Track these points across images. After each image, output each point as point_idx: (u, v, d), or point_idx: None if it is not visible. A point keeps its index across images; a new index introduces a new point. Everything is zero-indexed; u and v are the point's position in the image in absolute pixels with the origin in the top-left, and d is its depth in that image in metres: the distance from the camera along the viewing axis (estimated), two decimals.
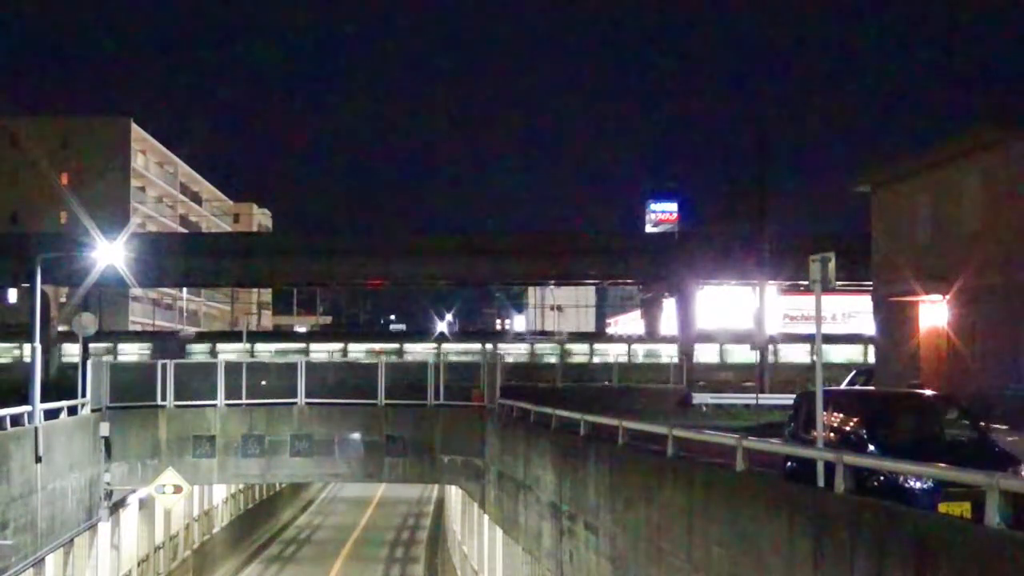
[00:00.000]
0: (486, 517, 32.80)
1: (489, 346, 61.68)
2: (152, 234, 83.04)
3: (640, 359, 61.98)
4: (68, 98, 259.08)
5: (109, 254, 35.56)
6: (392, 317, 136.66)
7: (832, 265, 14.74)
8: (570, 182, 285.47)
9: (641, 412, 31.12)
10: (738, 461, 14.39)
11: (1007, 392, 24.68)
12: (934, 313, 29.03)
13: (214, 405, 33.93)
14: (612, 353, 62.27)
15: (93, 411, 31.32)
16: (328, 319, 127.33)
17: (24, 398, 27.04)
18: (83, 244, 42.09)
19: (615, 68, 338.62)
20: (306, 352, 59.57)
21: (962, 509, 12.31)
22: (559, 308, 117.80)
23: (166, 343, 61.74)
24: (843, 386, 30.60)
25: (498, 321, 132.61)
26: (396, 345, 64.23)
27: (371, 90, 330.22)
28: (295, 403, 34.48)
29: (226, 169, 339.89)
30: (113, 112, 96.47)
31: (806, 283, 16.42)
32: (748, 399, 43.97)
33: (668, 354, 60.33)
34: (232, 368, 35.16)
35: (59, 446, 27.59)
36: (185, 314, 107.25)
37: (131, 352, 61.19)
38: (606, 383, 54.72)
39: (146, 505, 34.83)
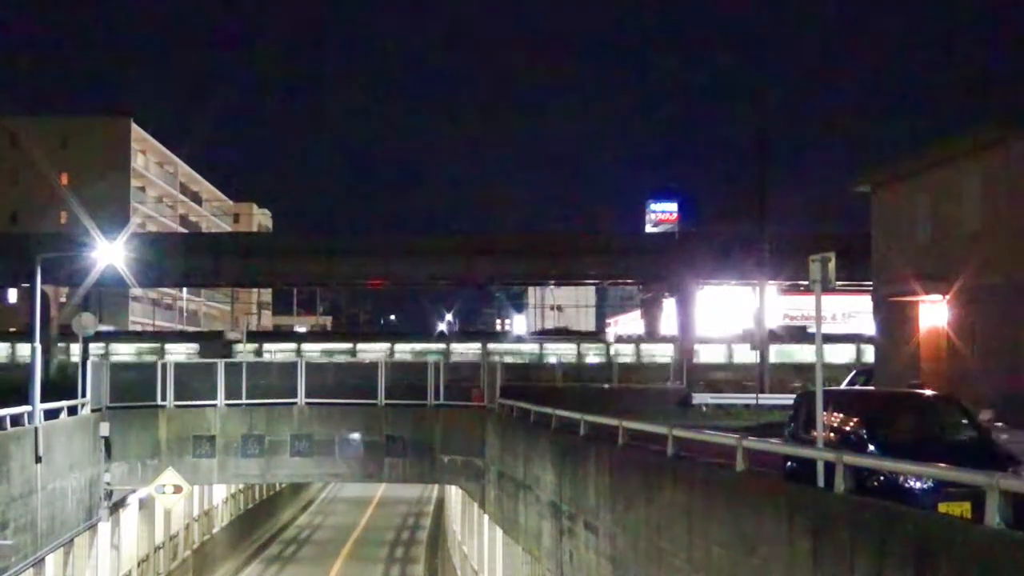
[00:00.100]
0: (486, 517, 32.81)
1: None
2: (152, 234, 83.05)
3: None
4: (68, 98, 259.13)
5: (109, 254, 35.57)
6: (392, 318, 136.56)
7: (832, 265, 14.73)
8: (570, 182, 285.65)
9: (641, 412, 31.07)
10: (738, 461, 14.39)
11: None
12: (934, 313, 29.02)
13: (214, 405, 33.94)
14: (659, 353, 62.30)
15: (93, 411, 31.31)
16: (328, 319, 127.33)
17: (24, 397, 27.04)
18: (83, 244, 42.07)
19: (615, 68, 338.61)
20: (353, 353, 59.28)
21: (962, 509, 12.30)
22: (559, 308, 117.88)
23: (212, 344, 61.63)
24: (843, 386, 30.60)
25: (498, 321, 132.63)
26: (443, 346, 64.23)
27: (371, 90, 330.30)
28: (295, 403, 34.48)
29: (226, 169, 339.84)
30: (113, 112, 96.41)
31: (806, 283, 16.41)
32: (748, 399, 43.95)
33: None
34: (232, 368, 35.17)
35: (59, 446, 27.59)
36: (185, 314, 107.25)
37: (179, 352, 60.78)
38: (605, 385, 54.77)
39: (146, 505, 34.83)
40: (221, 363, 35.58)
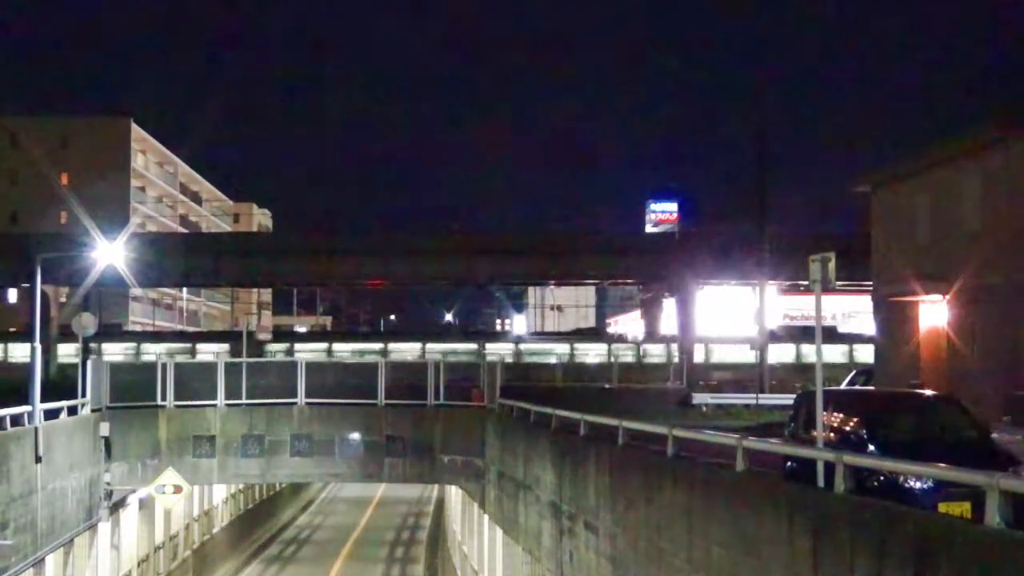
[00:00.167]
0: (486, 517, 32.81)
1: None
2: (152, 234, 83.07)
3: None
4: (68, 98, 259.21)
5: (109, 254, 35.57)
6: (392, 318, 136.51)
7: (832, 265, 14.73)
8: (570, 182, 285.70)
9: (641, 412, 31.07)
10: (738, 461, 14.39)
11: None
12: (934, 313, 29.01)
13: (214, 405, 33.93)
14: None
15: (93, 411, 31.30)
16: (328, 319, 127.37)
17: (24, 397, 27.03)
18: (83, 244, 42.07)
19: (615, 68, 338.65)
20: (385, 352, 59.22)
21: (962, 509, 12.30)
22: (559, 308, 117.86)
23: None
24: (843, 386, 30.60)
25: (498, 321, 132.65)
26: (474, 346, 64.61)
27: (371, 90, 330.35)
28: (295, 403, 34.48)
29: (226, 169, 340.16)
30: (113, 112, 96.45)
31: (806, 283, 16.41)
32: (748, 399, 43.94)
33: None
34: (232, 368, 35.17)
35: (59, 446, 27.58)
36: (185, 314, 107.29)
37: (210, 352, 60.75)
38: (606, 385, 54.75)
39: (146, 505, 34.83)
40: (221, 363, 35.59)
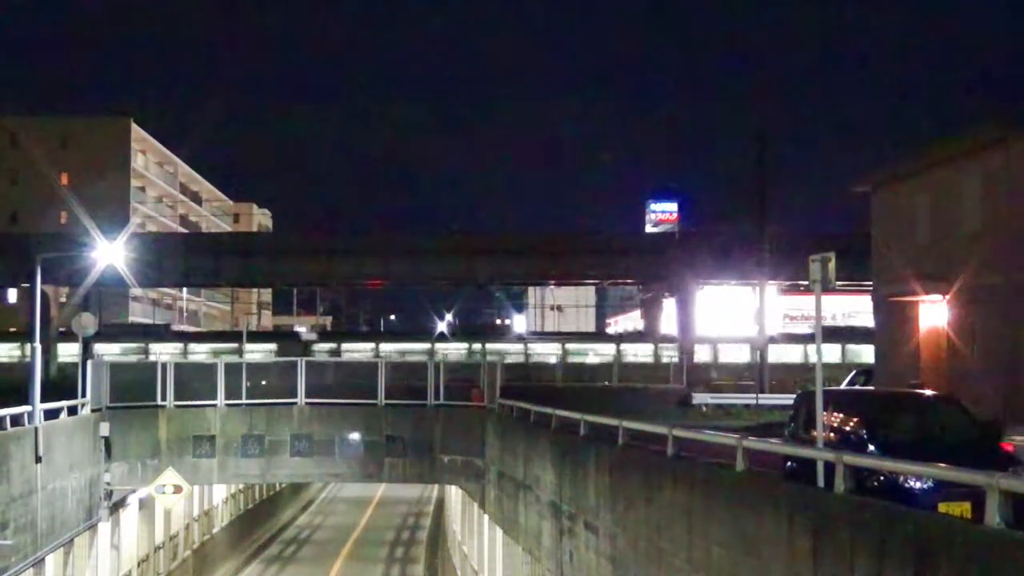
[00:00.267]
0: (486, 517, 32.80)
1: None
2: (152, 234, 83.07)
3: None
4: (68, 98, 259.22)
5: (109, 254, 35.56)
6: (392, 318, 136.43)
7: (832, 265, 14.72)
8: (570, 182, 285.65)
9: (641, 412, 31.07)
10: (738, 461, 14.38)
11: None
12: (934, 313, 29.00)
13: (214, 405, 33.93)
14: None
15: (93, 411, 31.30)
16: (328, 319, 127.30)
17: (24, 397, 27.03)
18: (83, 244, 42.09)
19: (615, 67, 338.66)
20: (432, 353, 59.25)
21: (962, 509, 12.30)
22: (559, 308, 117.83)
23: (290, 344, 61.72)
24: (843, 386, 30.60)
25: (498, 321, 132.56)
26: (521, 346, 64.88)
27: (371, 90, 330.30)
28: (295, 403, 34.47)
29: (226, 169, 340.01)
30: (113, 112, 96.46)
31: (806, 283, 16.41)
32: (748, 399, 43.95)
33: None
34: (232, 368, 35.17)
35: (59, 446, 27.58)
36: (185, 314, 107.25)
37: (258, 352, 60.68)
38: (606, 383, 54.82)
39: (146, 505, 34.82)
40: (221, 363, 35.58)
